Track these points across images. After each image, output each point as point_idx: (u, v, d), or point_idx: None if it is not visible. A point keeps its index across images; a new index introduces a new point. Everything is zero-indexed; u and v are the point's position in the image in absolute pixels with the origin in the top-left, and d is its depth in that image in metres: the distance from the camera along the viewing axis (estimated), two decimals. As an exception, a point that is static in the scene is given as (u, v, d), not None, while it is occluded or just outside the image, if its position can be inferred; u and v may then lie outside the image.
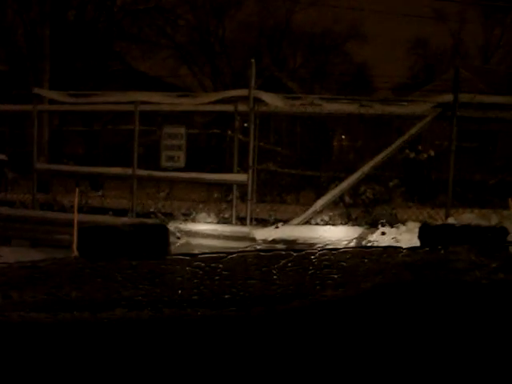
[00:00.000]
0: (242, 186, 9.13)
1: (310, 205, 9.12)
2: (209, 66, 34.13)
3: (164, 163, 9.32)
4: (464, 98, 7.92)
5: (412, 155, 16.46)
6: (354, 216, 8.74)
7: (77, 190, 8.54)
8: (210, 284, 2.02)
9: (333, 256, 2.18)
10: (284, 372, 1.44)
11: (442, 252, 2.12)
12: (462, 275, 1.82)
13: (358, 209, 9.11)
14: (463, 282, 1.77)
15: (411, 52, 35.93)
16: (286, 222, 8.62)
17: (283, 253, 2.16)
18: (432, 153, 18.06)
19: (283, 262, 2.18)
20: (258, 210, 9.78)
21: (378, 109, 8.12)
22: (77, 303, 1.78)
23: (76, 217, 8.21)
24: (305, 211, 8.91)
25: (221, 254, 2.03)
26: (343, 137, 24.31)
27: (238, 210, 9.25)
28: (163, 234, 3.09)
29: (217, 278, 2.04)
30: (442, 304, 1.63)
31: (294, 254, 2.24)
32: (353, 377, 1.44)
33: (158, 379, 1.43)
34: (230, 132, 10.53)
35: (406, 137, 8.21)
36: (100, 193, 11.45)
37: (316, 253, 2.16)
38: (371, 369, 1.45)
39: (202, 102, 9.10)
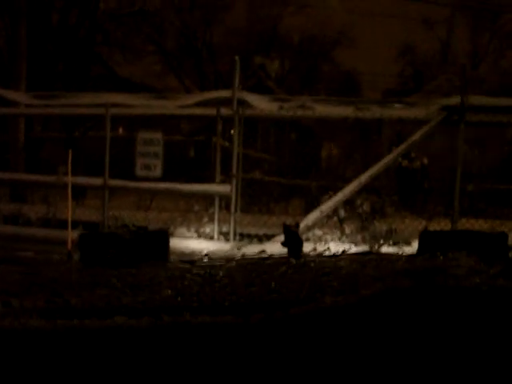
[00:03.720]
0: (225, 197, 8.31)
1: (300, 215, 8.46)
2: (196, 72, 33.68)
3: (139, 172, 8.44)
4: (473, 100, 7.09)
5: (405, 163, 15.85)
6: (348, 231, 7.86)
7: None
8: (209, 291, 2.09)
9: (332, 263, 2.39)
10: (284, 378, 1.42)
11: (442, 258, 2.25)
12: (462, 281, 1.82)
13: (353, 221, 8.24)
14: (463, 287, 1.75)
15: (400, 59, 35.65)
16: (272, 237, 7.75)
17: (283, 260, 2.40)
18: (425, 160, 17.61)
19: (283, 269, 2.39)
20: (245, 222, 9.02)
21: (376, 112, 7.27)
22: (77, 310, 1.81)
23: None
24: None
25: (220, 262, 2.32)
26: (332, 145, 23.90)
27: (221, 222, 8.42)
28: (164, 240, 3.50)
29: (216, 285, 2.13)
30: (442, 310, 1.60)
31: (294, 262, 2.52)
32: (353, 382, 1.43)
33: None
34: (215, 139, 9.67)
35: (408, 143, 7.35)
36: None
37: (316, 260, 2.41)
38: (371, 374, 1.44)
39: (182, 104, 8.22)
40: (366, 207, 8.05)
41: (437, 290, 1.71)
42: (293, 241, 5.42)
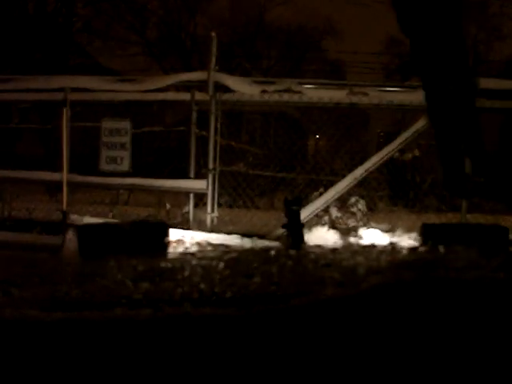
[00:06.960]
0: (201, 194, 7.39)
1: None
2: (180, 63, 32.94)
3: (104, 166, 7.43)
4: (486, 83, 6.12)
5: (396, 155, 15.24)
6: (341, 233, 6.91)
7: None
8: (210, 282, 2.10)
9: (333, 255, 2.44)
10: (285, 370, 1.41)
11: (443, 251, 2.19)
12: (463, 274, 1.80)
13: (347, 222, 7.32)
14: (464, 280, 1.73)
15: (386, 50, 35.06)
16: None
17: (284, 252, 2.07)
18: (417, 152, 17.05)
19: (284, 260, 2.41)
20: (226, 219, 8.19)
21: (374, 96, 6.33)
22: (77, 302, 1.85)
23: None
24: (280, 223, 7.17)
25: (222, 253, 1.99)
26: (317, 136, 23.39)
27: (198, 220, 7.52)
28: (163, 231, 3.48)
29: (217, 276, 2.18)
30: (443, 302, 1.59)
31: (295, 253, 2.59)
32: (353, 375, 1.41)
33: (159, 378, 1.40)
34: (197, 130, 8.77)
35: (410, 132, 6.40)
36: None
37: (316, 252, 2.19)
38: (371, 367, 1.42)
39: (149, 88, 7.20)
40: (362, 206, 7.12)
41: (438, 283, 1.70)
42: (294, 223, 5.08)
